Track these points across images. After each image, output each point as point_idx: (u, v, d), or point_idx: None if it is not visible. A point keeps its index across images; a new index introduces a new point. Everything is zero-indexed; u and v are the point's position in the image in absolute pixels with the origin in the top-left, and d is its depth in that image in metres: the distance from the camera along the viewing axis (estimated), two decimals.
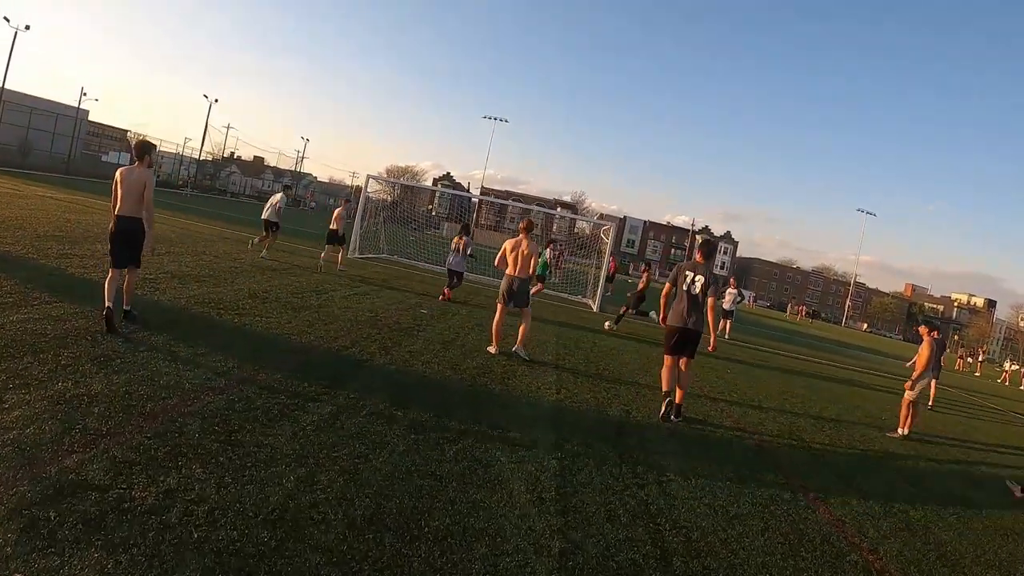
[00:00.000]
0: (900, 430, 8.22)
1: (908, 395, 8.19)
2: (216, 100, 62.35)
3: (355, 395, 4.87)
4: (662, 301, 6.73)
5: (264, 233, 13.52)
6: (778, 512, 4.38)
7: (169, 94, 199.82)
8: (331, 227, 13.81)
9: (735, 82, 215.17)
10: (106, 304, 5.36)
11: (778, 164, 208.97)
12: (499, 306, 7.86)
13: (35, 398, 3.63)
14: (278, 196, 14.28)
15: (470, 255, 13.23)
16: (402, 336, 7.62)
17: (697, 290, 6.27)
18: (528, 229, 7.80)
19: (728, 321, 17.87)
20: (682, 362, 6.42)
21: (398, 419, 4.54)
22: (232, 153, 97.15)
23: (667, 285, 6.79)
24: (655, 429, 5.95)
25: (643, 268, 16.10)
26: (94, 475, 2.87)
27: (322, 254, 13.60)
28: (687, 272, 6.39)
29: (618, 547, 3.32)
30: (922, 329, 8.85)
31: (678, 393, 6.36)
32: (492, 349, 7.75)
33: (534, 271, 7.92)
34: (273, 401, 4.35)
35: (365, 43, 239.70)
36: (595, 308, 17.35)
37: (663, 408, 6.25)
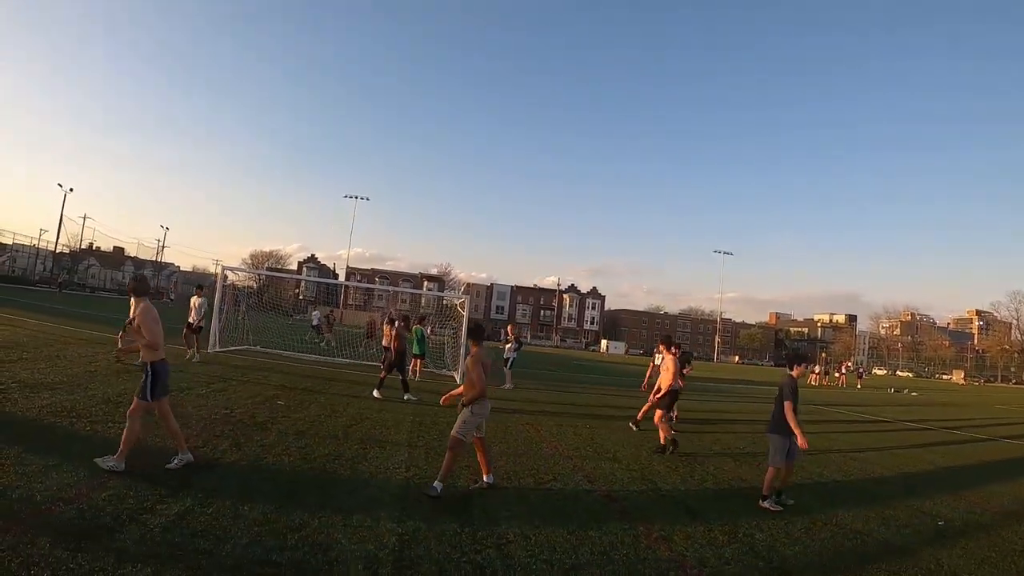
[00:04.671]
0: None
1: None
2: (71, 189, 59.47)
3: (203, 494, 5.17)
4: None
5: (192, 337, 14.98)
6: (616, 557, 4.89)
7: (20, 182, 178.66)
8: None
9: (586, 140, 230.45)
10: None
11: (638, 217, 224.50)
12: None
13: None
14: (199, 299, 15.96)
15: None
16: (255, 430, 7.87)
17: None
18: None
19: (507, 371, 18.10)
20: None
21: (244, 514, 4.83)
22: (91, 244, 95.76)
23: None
24: (502, 495, 6.35)
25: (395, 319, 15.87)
26: None
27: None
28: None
29: None
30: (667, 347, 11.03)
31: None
32: None
33: None
34: (122, 507, 4.63)
35: (224, 124, 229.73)
36: (459, 379, 17.63)
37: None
